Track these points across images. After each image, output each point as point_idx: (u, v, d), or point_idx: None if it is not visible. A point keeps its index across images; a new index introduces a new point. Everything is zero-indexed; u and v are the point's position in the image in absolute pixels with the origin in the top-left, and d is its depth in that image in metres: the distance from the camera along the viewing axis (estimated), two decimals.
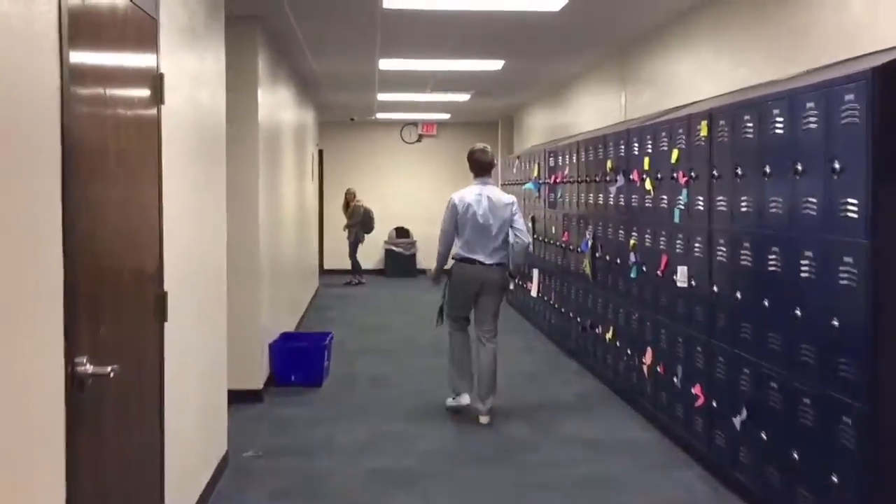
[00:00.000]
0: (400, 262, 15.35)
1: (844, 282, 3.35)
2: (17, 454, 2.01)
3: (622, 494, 4.57)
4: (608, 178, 6.55)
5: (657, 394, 5.49)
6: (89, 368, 2.36)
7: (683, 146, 5.00)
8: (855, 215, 3.29)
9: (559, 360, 7.91)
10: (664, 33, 6.51)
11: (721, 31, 5.53)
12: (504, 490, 4.64)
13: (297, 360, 6.82)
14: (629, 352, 6.04)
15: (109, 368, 2.42)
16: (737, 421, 4.25)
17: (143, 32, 3.11)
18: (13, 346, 1.98)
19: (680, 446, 5.11)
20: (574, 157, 7.72)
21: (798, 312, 3.68)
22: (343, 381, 7.07)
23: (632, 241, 5.96)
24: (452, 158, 15.87)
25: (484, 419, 5.80)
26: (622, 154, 6.23)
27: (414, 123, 15.79)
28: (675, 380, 5.11)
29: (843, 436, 3.37)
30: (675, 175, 5.10)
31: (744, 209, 4.22)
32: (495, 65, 8.58)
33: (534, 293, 9.44)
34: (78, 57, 2.35)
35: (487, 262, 5.83)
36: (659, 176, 5.40)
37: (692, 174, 4.84)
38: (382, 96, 11.42)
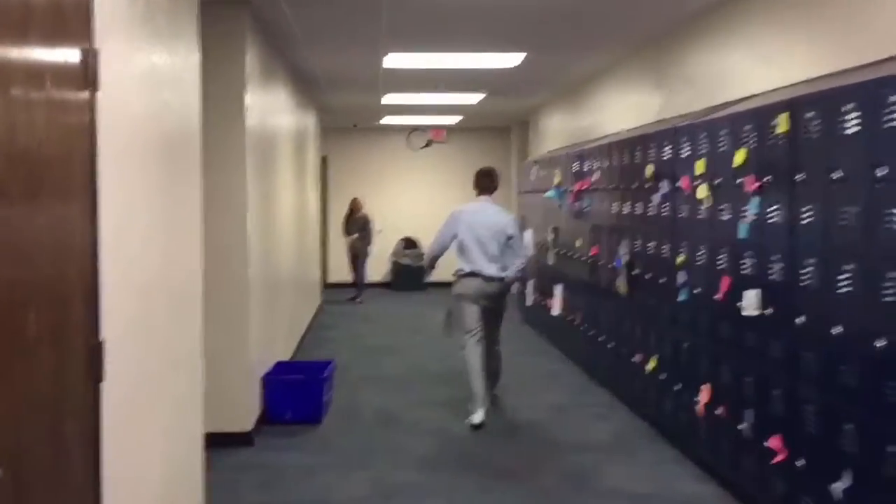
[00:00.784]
0: (407, 276, 14.51)
1: None
2: None
3: None
4: (648, 186, 5.71)
5: (717, 440, 4.63)
6: None
7: (753, 145, 4.15)
8: None
9: (589, 389, 7.04)
10: (709, 22, 5.67)
11: (780, 17, 4.68)
12: None
13: (294, 394, 5.98)
14: (677, 387, 5.18)
15: None
16: (836, 488, 3.38)
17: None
18: None
19: None
20: (605, 162, 6.88)
21: None
22: (345, 417, 6.23)
23: (679, 258, 5.11)
24: (463, 165, 15.02)
25: (477, 418, 5.98)
26: (667, 157, 5.38)
27: (422, 129, 14.96)
28: (742, 427, 4.24)
29: None
30: (739, 180, 4.25)
31: (843, 222, 3.37)
32: (515, 59, 7.75)
33: (555, 311, 8.59)
34: None
35: (487, 274, 6.09)
36: (717, 182, 4.55)
37: (765, 179, 3.99)
38: (388, 98, 10.60)
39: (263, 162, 6.38)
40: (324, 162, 14.21)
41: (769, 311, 3.99)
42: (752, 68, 5.08)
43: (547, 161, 9.35)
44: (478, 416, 5.97)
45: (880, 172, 3.13)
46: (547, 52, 7.52)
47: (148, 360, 3.06)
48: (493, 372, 6.36)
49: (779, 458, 3.86)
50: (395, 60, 7.78)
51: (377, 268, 14.48)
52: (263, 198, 6.32)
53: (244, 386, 5.56)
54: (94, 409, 2.47)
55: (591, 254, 7.21)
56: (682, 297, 5.08)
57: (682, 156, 5.10)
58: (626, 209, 6.24)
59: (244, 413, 5.55)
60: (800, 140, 3.71)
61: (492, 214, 6.21)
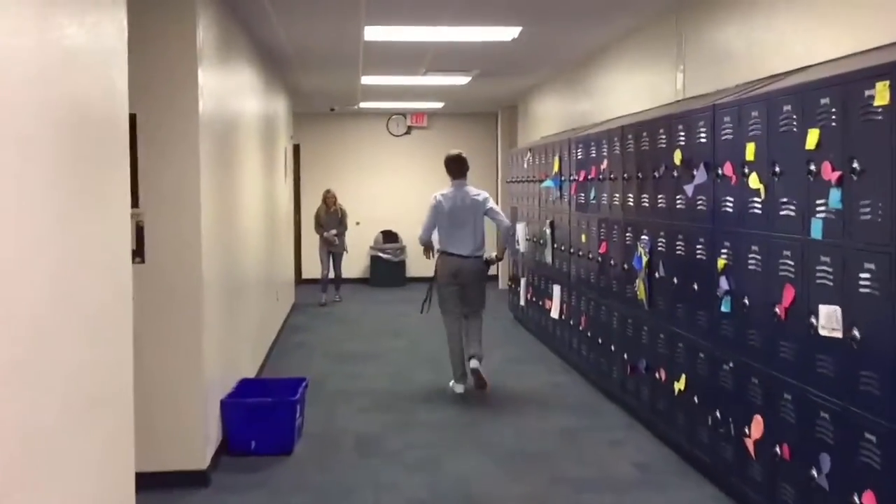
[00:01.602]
0: (387, 270, 13.62)
1: None
2: None
3: None
4: (676, 174, 4.86)
5: (774, 483, 3.80)
6: None
7: (832, 123, 3.30)
8: None
9: (601, 408, 6.19)
10: None
11: None
12: None
13: (259, 420, 5.08)
14: (717, 415, 4.34)
15: None
16: None
17: None
18: None
19: None
20: (615, 148, 6.02)
21: None
22: (320, 445, 5.34)
23: (721, 261, 4.27)
24: (445, 152, 14.13)
25: (474, 363, 6.54)
26: (701, 140, 4.53)
27: (402, 114, 14.04)
28: (815, 473, 3.41)
29: None
30: (812, 168, 3.41)
31: None
32: (510, 33, 6.86)
33: (554, 314, 7.75)
34: None
35: (466, 254, 6.56)
36: (778, 169, 3.71)
37: (853, 165, 3.15)
38: (368, 79, 9.68)
39: (222, 150, 5.47)
40: (296, 150, 13.26)
41: (856, 333, 3.15)
42: (801, 38, 4.24)
43: (542, 148, 8.49)
44: (459, 388, 6.59)
45: None
46: (546, 25, 6.65)
47: (45, 407, 2.16)
48: (472, 337, 6.64)
49: None
50: (376, 33, 6.88)
51: (355, 262, 13.56)
52: (223, 191, 5.41)
53: (198, 413, 4.66)
54: None
55: (599, 252, 6.36)
56: (724, 307, 4.24)
57: (725, 138, 4.25)
58: (646, 201, 5.39)
59: (198, 446, 4.65)
60: None
61: (468, 195, 6.71)
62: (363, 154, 14.12)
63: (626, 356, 5.80)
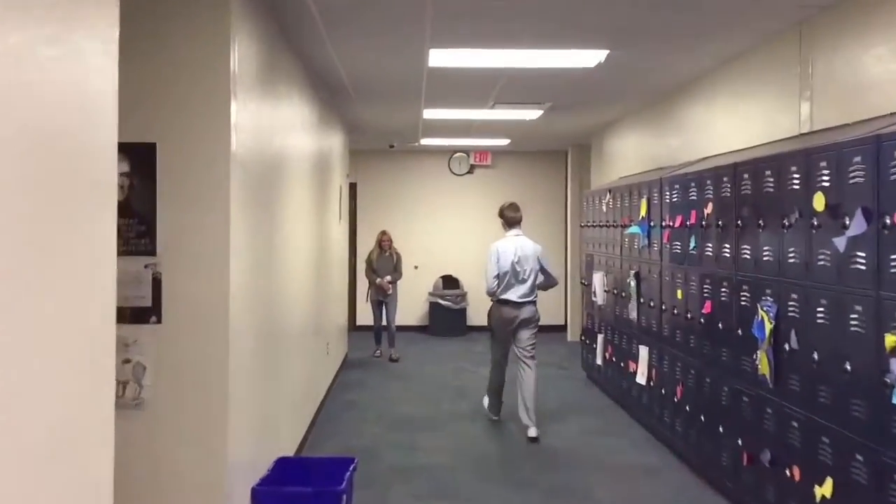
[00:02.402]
0: (446, 318, 12.71)
1: None
2: None
3: None
4: (816, 222, 3.89)
5: None
6: None
7: None
8: None
9: (702, 500, 5.17)
10: None
11: None
12: None
13: None
14: None
15: None
16: None
17: None
18: None
19: None
20: (724, 189, 5.07)
21: None
22: None
23: (891, 339, 3.28)
24: (510, 192, 13.26)
25: (532, 432, 6.60)
26: (856, 180, 3.57)
27: (465, 152, 13.25)
28: None
29: None
30: None
31: None
32: (595, 57, 5.99)
33: (640, 379, 6.75)
34: None
35: (521, 301, 6.80)
36: None
37: None
38: (430, 113, 8.89)
39: (262, 190, 4.67)
40: (353, 189, 12.54)
41: None
42: None
43: (624, 189, 7.55)
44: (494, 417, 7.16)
45: None
46: (638, 47, 5.76)
47: None
48: (527, 391, 6.78)
49: None
50: (442, 58, 6.07)
51: (412, 309, 12.72)
52: (261, 235, 4.60)
53: None
54: None
55: (702, 312, 5.38)
56: (895, 399, 3.24)
57: (894, 178, 3.29)
58: (769, 255, 4.42)
59: None
60: None
61: (526, 246, 6.90)
62: (423, 194, 13.32)
63: (740, 441, 4.78)
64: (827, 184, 3.82)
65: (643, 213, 6.79)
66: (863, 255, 3.52)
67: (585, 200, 9.33)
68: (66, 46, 1.75)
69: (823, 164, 3.87)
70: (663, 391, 6.25)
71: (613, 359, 7.81)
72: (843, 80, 4.45)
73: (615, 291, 7.74)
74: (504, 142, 11.94)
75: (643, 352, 6.77)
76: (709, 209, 5.29)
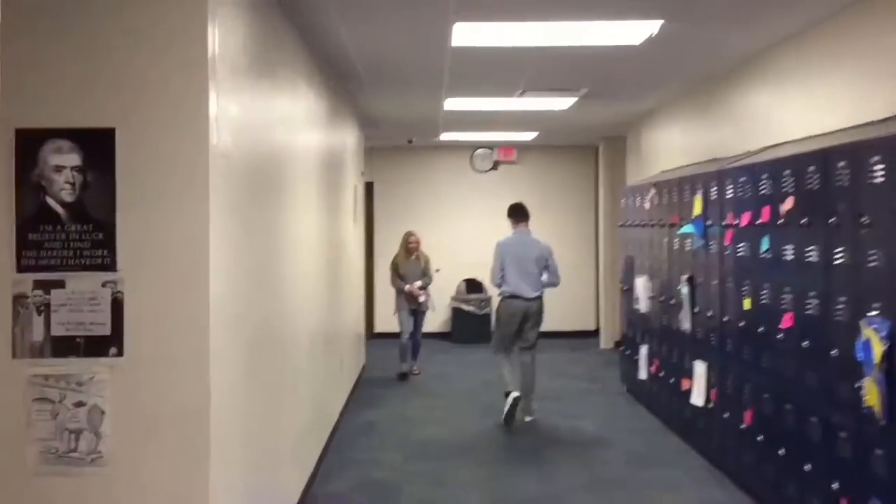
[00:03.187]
0: (470, 325, 11.92)
1: None
2: None
3: None
4: None
5: None
6: None
7: None
8: None
9: None
10: None
11: None
12: None
13: None
14: None
15: None
16: None
17: None
18: None
19: None
20: (810, 181, 4.24)
21: None
22: None
23: None
24: (536, 191, 12.47)
25: (528, 418, 7.08)
26: None
27: (489, 147, 12.43)
28: None
29: None
30: None
31: None
32: (645, 30, 5.17)
33: (696, 400, 5.93)
34: None
35: (528, 296, 7.05)
36: None
37: None
38: (452, 103, 8.10)
39: (261, 193, 3.92)
40: (369, 189, 11.75)
41: None
42: None
43: (673, 184, 6.71)
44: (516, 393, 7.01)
45: None
46: (696, 17, 4.93)
47: None
48: (526, 375, 7.18)
49: None
50: (467, 35, 5.28)
51: (433, 316, 11.86)
52: (258, 244, 3.83)
53: None
54: None
55: (779, 327, 4.54)
56: None
57: None
58: (877, 259, 3.59)
59: None
60: None
61: (532, 243, 7.23)
62: (444, 193, 12.51)
63: (836, 485, 3.95)
64: None
65: (697, 210, 5.95)
66: None
67: (623, 197, 8.49)
68: None
69: None
70: (726, 415, 5.41)
71: (661, 374, 6.98)
72: None
73: (662, 298, 6.91)
74: (530, 135, 11.12)
75: (699, 368, 5.94)
76: (788, 204, 4.46)
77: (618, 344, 11.06)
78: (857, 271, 3.77)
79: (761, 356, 4.85)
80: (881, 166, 3.58)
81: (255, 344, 3.78)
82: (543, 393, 8.37)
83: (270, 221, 4.18)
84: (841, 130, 4.49)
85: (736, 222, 5.20)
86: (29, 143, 2.91)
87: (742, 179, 5.13)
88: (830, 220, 3.98)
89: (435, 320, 11.96)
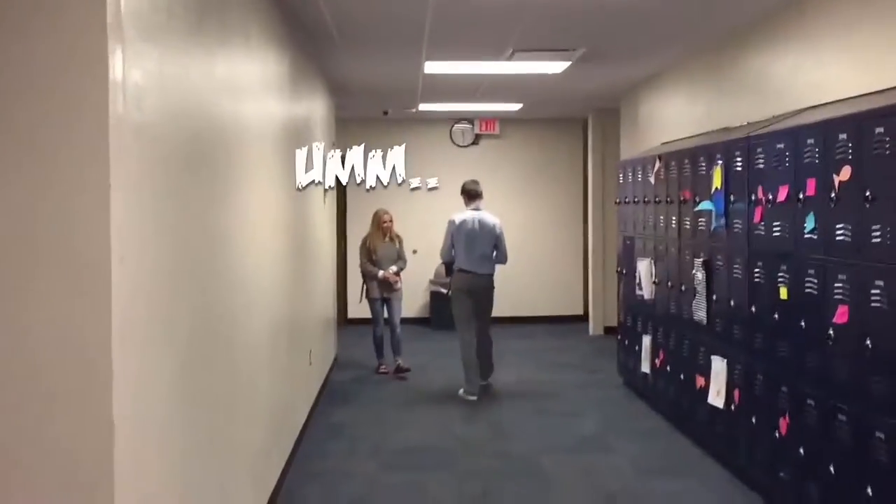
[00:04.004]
0: (450, 310, 11.07)
1: None
2: None
3: None
4: None
5: None
6: None
7: None
8: None
9: None
10: None
11: None
12: None
13: None
14: None
15: None
16: None
17: None
18: None
19: None
20: (869, 146, 3.48)
21: None
22: None
23: None
24: (521, 166, 11.71)
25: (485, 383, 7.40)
26: None
27: (469, 120, 11.62)
28: None
29: None
30: None
31: None
32: None
33: (714, 401, 5.22)
34: None
35: (480, 272, 7.23)
36: None
37: None
38: (434, 66, 7.28)
39: (203, 170, 3.11)
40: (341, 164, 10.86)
41: None
42: None
43: (684, 155, 5.95)
44: (472, 397, 7.08)
45: None
46: None
47: None
48: (486, 359, 7.39)
49: None
50: None
51: (411, 300, 11.07)
52: (194, 230, 3.00)
53: None
54: None
55: (831, 321, 3.80)
56: None
57: None
58: None
59: None
60: None
61: (485, 221, 7.24)
62: (422, 168, 11.61)
63: None
64: None
65: (717, 184, 5.20)
66: None
67: (620, 172, 7.72)
68: None
69: None
70: (754, 420, 4.69)
71: (668, 368, 6.25)
72: None
73: (669, 284, 6.17)
74: (515, 107, 10.31)
75: (718, 364, 5.20)
76: (844, 175, 3.70)
77: (608, 330, 10.37)
78: None
79: (803, 355, 4.11)
80: None
81: (193, 352, 2.97)
82: (534, 386, 7.65)
83: (215, 203, 3.36)
84: (887, 90, 3.74)
85: (769, 197, 4.45)
86: None
87: (779, 146, 4.36)
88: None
89: (412, 305, 11.18)
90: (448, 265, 7.49)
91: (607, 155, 10.38)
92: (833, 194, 3.78)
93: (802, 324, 4.09)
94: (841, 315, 3.73)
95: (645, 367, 6.79)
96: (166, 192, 2.65)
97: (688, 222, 5.80)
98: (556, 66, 7.28)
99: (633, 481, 5.07)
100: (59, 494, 2.13)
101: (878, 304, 3.46)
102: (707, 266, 5.39)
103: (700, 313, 5.50)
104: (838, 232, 3.76)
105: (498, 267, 7.38)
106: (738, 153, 4.92)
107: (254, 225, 4.18)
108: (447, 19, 5.48)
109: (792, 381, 4.25)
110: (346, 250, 11.26)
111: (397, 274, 8.17)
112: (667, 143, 7.28)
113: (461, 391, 7.18)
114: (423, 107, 10.13)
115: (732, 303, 4.98)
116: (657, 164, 6.49)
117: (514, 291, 11.26)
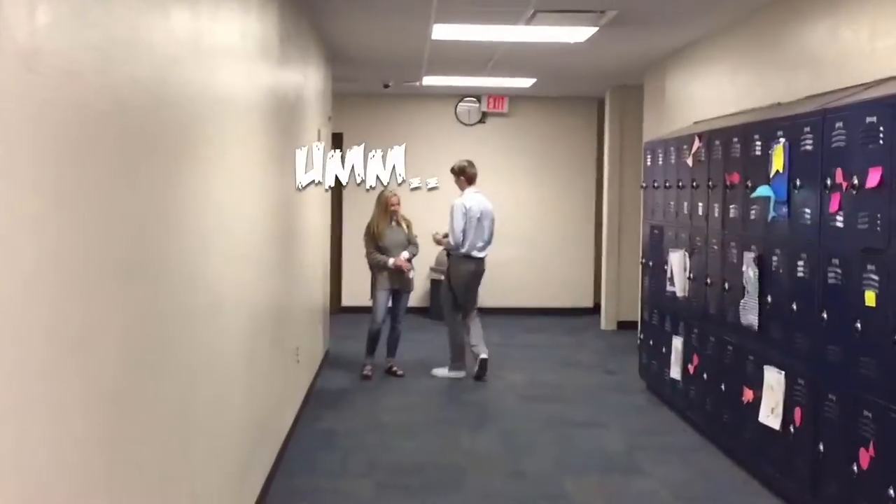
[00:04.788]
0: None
1: None
2: None
3: None
4: None
5: None
6: None
7: None
8: None
9: None
10: None
11: None
12: None
13: None
14: None
15: None
16: None
17: None
18: None
19: None
20: None
21: None
22: None
23: None
24: (530, 147, 10.92)
25: (485, 355, 7.15)
26: None
27: (475, 97, 10.82)
28: None
29: None
30: None
31: None
32: None
33: (768, 420, 4.47)
34: None
35: (480, 255, 7.20)
36: None
37: None
38: (443, 30, 6.49)
39: (159, 149, 2.32)
40: (337, 141, 10.05)
41: None
42: None
43: (733, 133, 5.18)
44: (461, 374, 7.18)
45: None
46: None
47: None
48: (481, 340, 7.23)
49: None
50: None
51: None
52: (149, 219, 2.24)
53: None
54: None
55: None
56: None
57: None
58: None
59: None
60: None
61: (485, 203, 7.26)
62: (424, 148, 10.80)
63: None
64: None
65: (778, 166, 4.43)
66: None
67: (649, 153, 6.94)
68: None
69: None
70: (822, 447, 3.95)
71: (704, 375, 5.50)
72: None
73: (708, 280, 5.42)
74: (528, 82, 9.51)
75: (772, 377, 4.45)
76: None
77: (621, 325, 9.64)
78: None
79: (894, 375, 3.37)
80: None
81: (126, 372, 2.21)
82: (547, 389, 6.92)
83: (170, 188, 2.59)
84: None
85: (853, 182, 3.69)
86: None
87: (870, 120, 3.59)
88: None
89: (411, 294, 10.38)
90: (451, 250, 7.24)
91: (627, 136, 9.61)
92: None
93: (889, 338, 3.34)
94: None
95: (674, 373, 6.04)
96: (78, 176, 1.87)
97: (734, 210, 5.04)
98: (580, 33, 6.49)
99: (668, 499, 4.33)
100: None
101: None
102: (761, 262, 4.63)
103: (750, 316, 4.74)
104: None
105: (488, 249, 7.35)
106: (807, 129, 4.14)
107: (226, 212, 3.40)
108: None
109: (879, 405, 3.50)
110: (340, 232, 10.48)
111: (409, 261, 7.31)
112: (700, 121, 6.50)
113: (447, 371, 7.21)
114: (427, 80, 9.33)
115: (795, 307, 4.23)
116: (696, 144, 5.71)
117: (520, 282, 10.56)
